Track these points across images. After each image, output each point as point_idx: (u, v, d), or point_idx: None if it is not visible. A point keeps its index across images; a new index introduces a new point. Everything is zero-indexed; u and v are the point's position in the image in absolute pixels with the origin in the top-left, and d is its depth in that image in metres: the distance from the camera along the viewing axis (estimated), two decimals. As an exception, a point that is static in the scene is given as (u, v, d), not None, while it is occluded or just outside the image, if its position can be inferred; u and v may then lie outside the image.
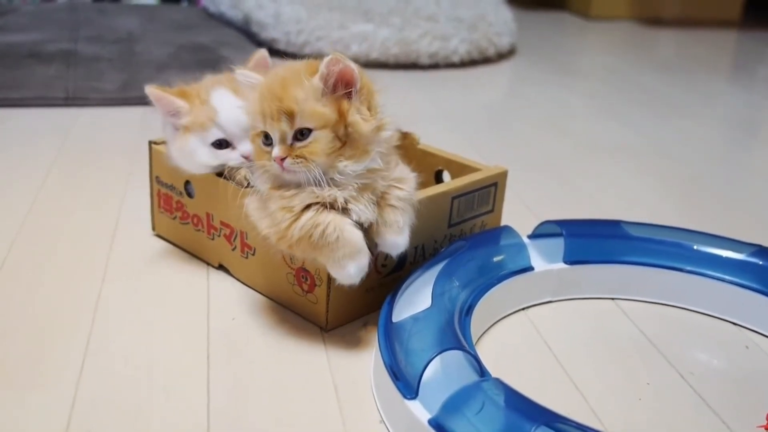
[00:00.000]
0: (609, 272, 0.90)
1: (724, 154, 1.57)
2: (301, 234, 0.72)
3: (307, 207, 0.73)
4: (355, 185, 0.74)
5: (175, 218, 0.96)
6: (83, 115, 1.52)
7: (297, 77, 0.73)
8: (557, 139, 1.56)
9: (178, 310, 0.84)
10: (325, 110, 0.72)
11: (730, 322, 0.87)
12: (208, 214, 0.91)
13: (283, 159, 0.72)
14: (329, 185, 0.73)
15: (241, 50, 1.87)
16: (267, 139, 0.74)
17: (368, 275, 0.76)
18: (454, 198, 0.89)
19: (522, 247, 0.88)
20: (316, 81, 0.72)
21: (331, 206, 0.74)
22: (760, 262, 0.87)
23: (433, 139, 1.05)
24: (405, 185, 0.79)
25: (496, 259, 0.86)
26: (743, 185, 1.37)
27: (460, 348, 0.66)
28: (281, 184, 0.75)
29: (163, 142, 0.92)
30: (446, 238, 0.91)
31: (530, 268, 0.87)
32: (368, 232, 0.76)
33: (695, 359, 0.80)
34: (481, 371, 0.65)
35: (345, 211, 0.74)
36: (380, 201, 0.77)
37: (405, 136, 0.99)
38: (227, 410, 0.68)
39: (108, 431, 0.65)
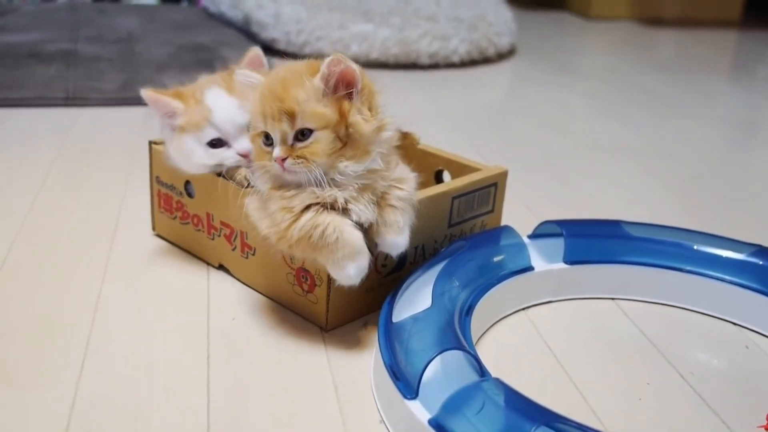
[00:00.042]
0: (609, 272, 0.90)
1: (724, 154, 1.57)
2: (300, 234, 0.72)
3: (307, 207, 0.73)
4: (356, 186, 0.74)
5: (175, 218, 0.96)
6: (83, 115, 1.52)
7: (298, 77, 0.73)
8: (557, 139, 1.56)
9: (178, 310, 0.84)
10: (326, 111, 0.72)
11: (730, 322, 0.87)
12: (208, 214, 0.91)
13: (284, 159, 0.72)
14: (330, 186, 0.73)
15: (241, 50, 1.85)
16: (267, 140, 0.74)
17: (368, 275, 0.76)
18: (454, 198, 0.89)
19: (522, 247, 0.88)
20: (317, 81, 0.72)
21: (332, 207, 0.74)
22: (760, 262, 0.87)
23: (433, 139, 1.05)
24: (405, 185, 0.79)
25: (496, 259, 0.86)
26: (743, 185, 1.37)
27: (460, 348, 0.66)
28: (281, 185, 0.75)
29: (163, 142, 0.93)
30: (446, 238, 0.91)
31: (530, 268, 0.87)
32: (368, 232, 0.76)
33: (695, 359, 0.81)
34: (481, 371, 0.65)
35: (345, 211, 0.74)
36: (380, 201, 0.77)
37: (405, 136, 0.99)
38: (227, 410, 0.68)
39: (108, 431, 0.65)
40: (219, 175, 0.86)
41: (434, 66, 2.08)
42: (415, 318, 0.72)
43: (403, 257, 0.84)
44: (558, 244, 0.89)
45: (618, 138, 1.59)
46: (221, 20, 2.30)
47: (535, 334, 0.83)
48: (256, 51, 0.89)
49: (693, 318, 0.88)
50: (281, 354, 0.77)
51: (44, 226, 1.02)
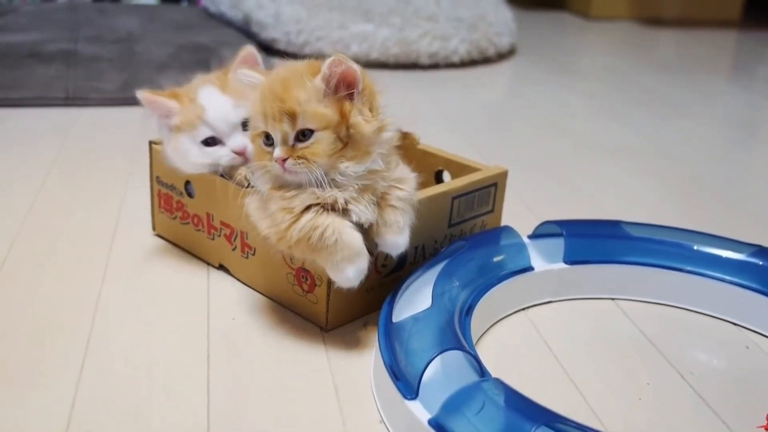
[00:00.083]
0: (609, 272, 0.90)
1: (724, 154, 1.57)
2: (299, 236, 0.72)
3: (307, 208, 0.73)
4: (356, 186, 0.74)
5: (175, 218, 0.96)
6: (83, 115, 1.52)
7: (299, 78, 0.73)
8: (557, 139, 1.56)
9: (178, 310, 0.84)
10: (327, 111, 0.72)
11: (730, 322, 0.87)
12: (208, 214, 0.91)
13: (284, 160, 0.72)
14: (330, 186, 0.73)
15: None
16: (268, 140, 0.74)
17: (368, 275, 0.76)
18: (454, 198, 0.89)
19: (522, 247, 0.88)
20: (319, 82, 0.72)
21: (332, 207, 0.74)
22: (760, 263, 0.87)
23: (433, 139, 1.05)
24: (405, 185, 0.79)
25: (496, 259, 0.86)
26: (743, 185, 1.37)
27: (460, 348, 0.66)
28: (282, 185, 0.75)
29: (162, 143, 0.93)
30: (446, 238, 0.91)
31: (530, 268, 0.87)
32: (368, 232, 0.76)
33: (695, 359, 0.81)
34: (481, 371, 0.65)
35: (345, 212, 0.74)
36: (380, 201, 0.77)
37: (405, 136, 0.99)
38: (227, 410, 0.68)
39: (108, 431, 0.65)
40: (220, 175, 0.86)
41: (434, 66, 2.08)
42: (415, 318, 0.72)
43: (403, 257, 0.84)
44: (558, 244, 0.89)
45: (618, 138, 1.59)
46: (221, 20, 2.30)
47: (535, 334, 0.83)
48: (249, 49, 0.88)
49: (693, 318, 0.88)
50: (281, 354, 0.77)
51: (44, 226, 1.02)
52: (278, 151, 0.73)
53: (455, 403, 0.60)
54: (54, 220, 1.04)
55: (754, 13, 3.28)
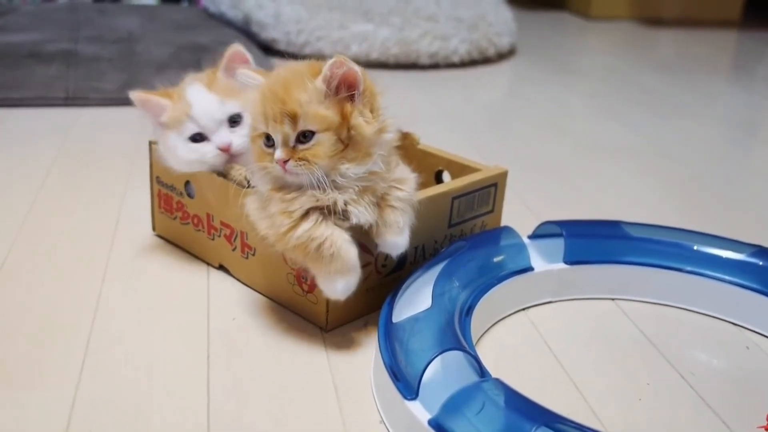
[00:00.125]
0: (609, 272, 0.90)
1: (724, 154, 1.57)
2: (297, 243, 0.73)
3: (307, 213, 0.73)
4: (356, 188, 0.74)
5: (175, 218, 0.96)
6: (83, 115, 1.52)
7: (300, 79, 0.73)
8: (557, 139, 1.56)
9: (178, 310, 0.84)
10: (328, 113, 0.72)
11: (730, 322, 0.87)
12: (208, 215, 0.91)
13: (285, 161, 0.72)
14: (331, 187, 0.73)
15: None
16: (269, 141, 0.74)
17: (368, 275, 0.76)
18: (454, 198, 0.89)
19: (522, 247, 0.88)
20: (320, 83, 0.72)
21: (331, 209, 0.74)
22: (760, 263, 0.87)
23: (433, 139, 1.05)
24: (405, 186, 0.79)
25: (496, 259, 0.86)
26: (743, 185, 1.37)
27: (460, 348, 0.66)
28: (282, 185, 0.75)
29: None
30: (446, 238, 0.91)
31: (530, 269, 0.87)
32: (369, 232, 0.76)
33: (695, 359, 0.81)
34: (481, 372, 0.65)
35: (344, 213, 0.74)
36: (380, 202, 0.77)
37: (405, 136, 0.99)
38: (227, 410, 0.68)
39: (108, 431, 0.65)
40: (219, 174, 0.87)
41: (434, 66, 2.08)
42: (415, 318, 0.72)
43: (403, 257, 0.84)
44: (558, 245, 0.89)
45: (618, 138, 1.59)
46: (221, 20, 2.30)
47: (535, 334, 0.83)
48: (235, 47, 0.89)
49: (693, 318, 0.88)
50: (281, 354, 0.77)
51: (44, 226, 1.02)
52: (279, 153, 0.73)
53: (455, 404, 0.60)
54: (54, 220, 1.04)
55: (754, 13, 3.28)
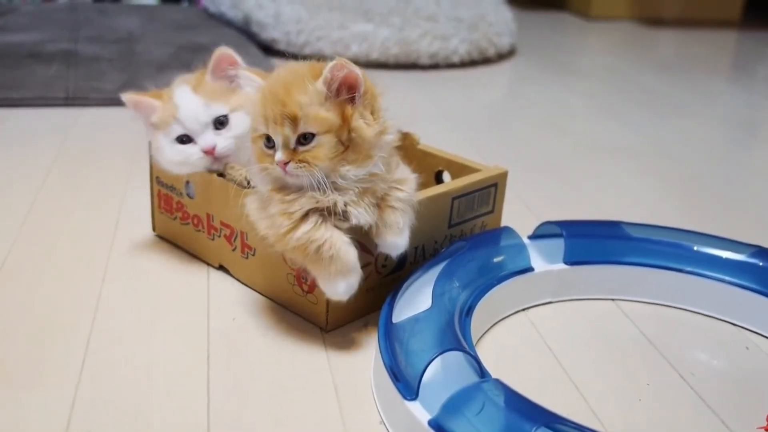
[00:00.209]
0: (609, 273, 0.90)
1: (724, 154, 1.57)
2: (297, 244, 0.73)
3: (306, 214, 0.73)
4: (356, 189, 0.74)
5: (175, 219, 0.96)
6: (83, 115, 1.52)
7: (300, 81, 0.73)
8: (557, 139, 1.56)
9: (178, 310, 0.84)
10: (329, 115, 0.72)
11: (730, 322, 0.87)
12: (208, 215, 0.91)
13: (286, 163, 0.72)
14: (331, 189, 0.73)
15: (241, 50, 1.85)
16: (269, 142, 0.74)
17: (368, 275, 0.76)
18: (454, 198, 0.89)
19: (522, 247, 0.88)
20: (320, 85, 0.72)
21: (330, 210, 0.74)
22: (760, 263, 0.87)
23: (433, 140, 1.05)
24: (405, 186, 0.79)
25: (496, 259, 0.86)
26: (743, 185, 1.37)
27: (460, 349, 0.66)
28: (282, 186, 0.75)
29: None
30: (446, 238, 0.91)
31: (530, 269, 0.87)
32: (369, 233, 0.76)
33: (695, 360, 0.81)
34: (481, 372, 0.65)
35: (344, 214, 0.74)
36: (380, 202, 0.77)
37: (405, 136, 0.99)
38: (227, 410, 0.68)
39: (108, 431, 0.65)
40: (219, 174, 0.87)
41: (434, 66, 2.08)
42: (415, 318, 0.72)
43: (403, 258, 0.84)
44: (558, 245, 0.89)
45: (618, 138, 1.59)
46: (221, 20, 2.30)
47: (535, 334, 0.83)
48: (222, 50, 0.88)
49: (693, 319, 0.88)
50: (281, 354, 0.77)
51: (44, 226, 1.02)
52: (279, 155, 0.73)
53: (455, 404, 0.60)
54: (54, 220, 1.04)
55: (754, 13, 3.28)
